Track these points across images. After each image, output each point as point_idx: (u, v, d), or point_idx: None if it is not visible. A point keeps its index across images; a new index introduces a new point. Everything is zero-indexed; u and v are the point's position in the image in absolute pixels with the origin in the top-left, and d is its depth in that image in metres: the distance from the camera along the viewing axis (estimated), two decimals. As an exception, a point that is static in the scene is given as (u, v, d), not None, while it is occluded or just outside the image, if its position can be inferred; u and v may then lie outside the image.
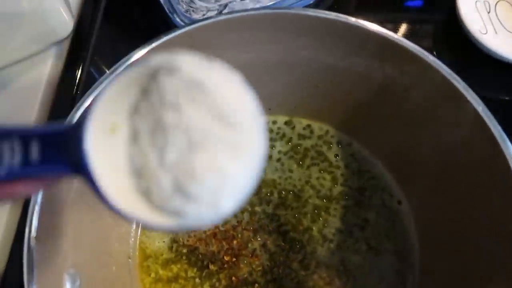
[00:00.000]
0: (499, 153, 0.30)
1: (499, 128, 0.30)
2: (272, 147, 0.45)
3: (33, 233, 0.29)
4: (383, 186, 0.43)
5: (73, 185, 0.33)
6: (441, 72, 0.32)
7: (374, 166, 0.44)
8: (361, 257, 0.40)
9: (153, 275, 0.41)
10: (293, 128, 0.46)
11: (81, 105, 0.31)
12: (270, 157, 0.45)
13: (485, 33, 0.45)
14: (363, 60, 0.36)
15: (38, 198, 0.30)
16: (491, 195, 0.32)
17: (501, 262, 0.32)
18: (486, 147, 0.31)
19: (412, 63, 0.33)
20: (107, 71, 0.33)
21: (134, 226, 0.42)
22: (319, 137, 0.45)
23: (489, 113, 0.31)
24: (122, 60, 0.33)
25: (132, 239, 0.42)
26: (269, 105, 0.46)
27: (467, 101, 0.31)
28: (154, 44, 0.34)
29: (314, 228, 0.42)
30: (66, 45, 0.50)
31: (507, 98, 0.47)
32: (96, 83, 0.32)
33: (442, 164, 0.37)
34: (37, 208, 0.30)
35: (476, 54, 0.46)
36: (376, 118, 0.42)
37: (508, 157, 0.30)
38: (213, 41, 0.37)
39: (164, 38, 0.34)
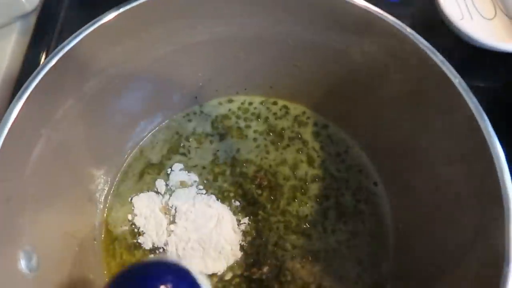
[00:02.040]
0: (476, 127, 0.29)
1: (475, 100, 0.30)
2: (247, 127, 0.44)
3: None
4: (359, 168, 0.42)
5: (30, 158, 0.31)
6: (417, 44, 0.31)
7: (350, 148, 0.43)
8: (337, 240, 0.39)
9: (118, 259, 0.39)
10: (269, 108, 0.45)
11: (46, 64, 0.29)
12: (245, 136, 0.43)
13: (462, 19, 0.45)
14: (342, 35, 0.36)
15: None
16: (468, 172, 0.32)
17: (477, 241, 0.31)
18: (464, 123, 0.30)
19: (390, 37, 0.33)
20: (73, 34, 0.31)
21: (101, 206, 0.40)
22: (295, 117, 0.44)
23: (466, 86, 0.30)
24: (89, 24, 0.31)
25: (98, 219, 0.40)
26: (244, 85, 0.44)
27: (443, 74, 0.30)
28: (122, 10, 0.32)
29: (289, 209, 0.40)
30: (32, 19, 0.48)
31: (482, 84, 0.47)
32: (61, 45, 0.30)
33: (419, 144, 0.37)
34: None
35: (454, 41, 0.46)
36: (354, 99, 0.41)
37: (484, 131, 0.29)
38: (186, 11, 0.35)
39: (134, 4, 0.32)
